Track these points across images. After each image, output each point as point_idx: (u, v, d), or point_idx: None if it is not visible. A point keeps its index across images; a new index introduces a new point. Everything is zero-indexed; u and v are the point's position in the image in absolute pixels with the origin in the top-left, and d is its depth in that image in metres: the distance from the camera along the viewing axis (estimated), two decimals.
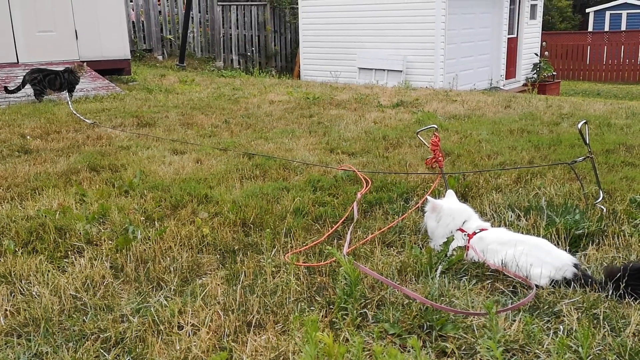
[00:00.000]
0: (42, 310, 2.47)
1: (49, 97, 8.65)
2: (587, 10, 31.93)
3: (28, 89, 8.48)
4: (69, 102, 7.90)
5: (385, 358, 1.84)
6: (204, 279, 2.83)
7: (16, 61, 9.78)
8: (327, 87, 11.07)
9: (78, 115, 7.07)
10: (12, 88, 8.40)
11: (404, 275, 2.76)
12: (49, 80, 8.52)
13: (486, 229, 2.96)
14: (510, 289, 2.63)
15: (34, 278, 2.80)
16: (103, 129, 6.44)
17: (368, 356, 2.11)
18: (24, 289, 2.70)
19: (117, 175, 4.61)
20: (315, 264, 2.91)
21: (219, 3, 16.58)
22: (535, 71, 17.63)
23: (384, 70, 14.49)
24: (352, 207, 3.68)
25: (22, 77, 8.59)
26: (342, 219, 3.55)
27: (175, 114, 7.51)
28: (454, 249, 2.88)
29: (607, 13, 30.33)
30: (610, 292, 2.49)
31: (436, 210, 3.09)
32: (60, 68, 8.77)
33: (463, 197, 3.82)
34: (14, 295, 2.67)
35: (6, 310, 2.52)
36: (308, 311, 2.45)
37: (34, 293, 2.65)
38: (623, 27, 28.85)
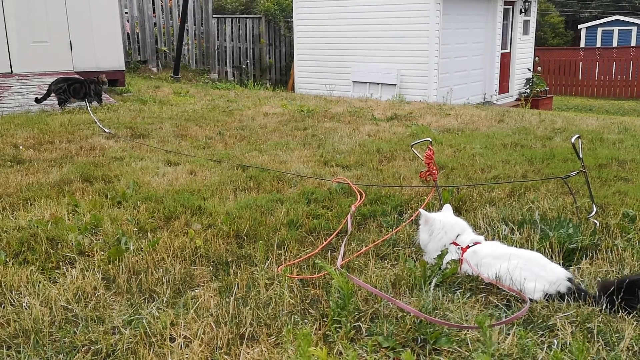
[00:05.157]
0: (33, 322, 2.44)
1: (72, 105, 8.80)
2: (579, 26, 32.34)
3: (20, 99, 8.47)
4: (90, 111, 8.03)
5: None
6: (196, 290, 2.81)
7: (10, 71, 9.76)
8: (322, 100, 11.09)
9: (99, 124, 7.09)
10: (40, 97, 8.64)
11: (398, 288, 2.75)
12: (74, 89, 8.73)
13: (480, 243, 2.97)
14: (504, 302, 2.62)
15: (24, 289, 2.77)
16: (96, 139, 6.43)
17: None
18: (14, 300, 2.67)
19: (110, 186, 4.59)
20: (308, 277, 2.90)
21: (214, 16, 16.65)
22: (528, 86, 17.76)
23: (378, 83, 14.56)
24: (346, 220, 3.67)
25: (15, 87, 8.59)
26: (336, 232, 3.54)
27: (169, 125, 7.51)
28: (447, 262, 2.88)
29: (599, 29, 30.72)
30: (604, 306, 2.49)
31: (429, 223, 3.09)
32: (75, 77, 9.01)
33: (457, 211, 3.82)
34: (3, 306, 2.64)
35: None
36: (301, 324, 2.43)
37: (24, 304, 2.62)
38: (614, 44, 29.21)
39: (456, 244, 2.98)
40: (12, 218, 3.80)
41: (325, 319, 2.44)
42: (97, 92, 8.92)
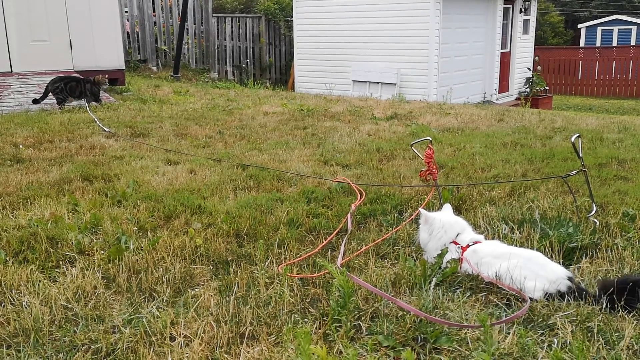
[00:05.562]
0: (32, 321, 2.44)
1: (71, 104, 8.76)
2: (579, 25, 32.34)
3: (20, 98, 8.47)
4: (89, 110, 8.02)
5: None
6: (196, 290, 2.81)
7: (9, 70, 9.75)
8: (322, 100, 11.09)
9: (99, 123, 7.07)
10: (38, 97, 8.63)
11: (398, 287, 2.75)
12: (70, 88, 8.68)
13: (480, 242, 2.96)
14: (505, 301, 2.62)
15: (24, 288, 2.77)
16: (96, 138, 6.43)
17: None
18: (14, 299, 2.67)
19: (110, 185, 4.59)
20: (308, 276, 2.90)
21: (214, 15, 16.64)
22: (527, 85, 17.77)
23: (378, 83, 14.56)
24: (346, 219, 3.67)
25: (15, 86, 8.58)
26: (336, 231, 3.54)
27: (169, 124, 7.50)
28: (447, 261, 2.88)
29: (599, 29, 30.73)
30: (604, 306, 2.49)
31: (428, 222, 3.08)
32: (73, 76, 9.02)
33: (457, 210, 3.82)
34: (3, 305, 2.63)
35: None
36: (301, 323, 2.43)
37: (24, 303, 2.62)
38: (614, 43, 29.22)
39: (456, 243, 2.98)
40: (12, 217, 3.80)
41: (325, 318, 2.44)
42: (92, 92, 8.85)
